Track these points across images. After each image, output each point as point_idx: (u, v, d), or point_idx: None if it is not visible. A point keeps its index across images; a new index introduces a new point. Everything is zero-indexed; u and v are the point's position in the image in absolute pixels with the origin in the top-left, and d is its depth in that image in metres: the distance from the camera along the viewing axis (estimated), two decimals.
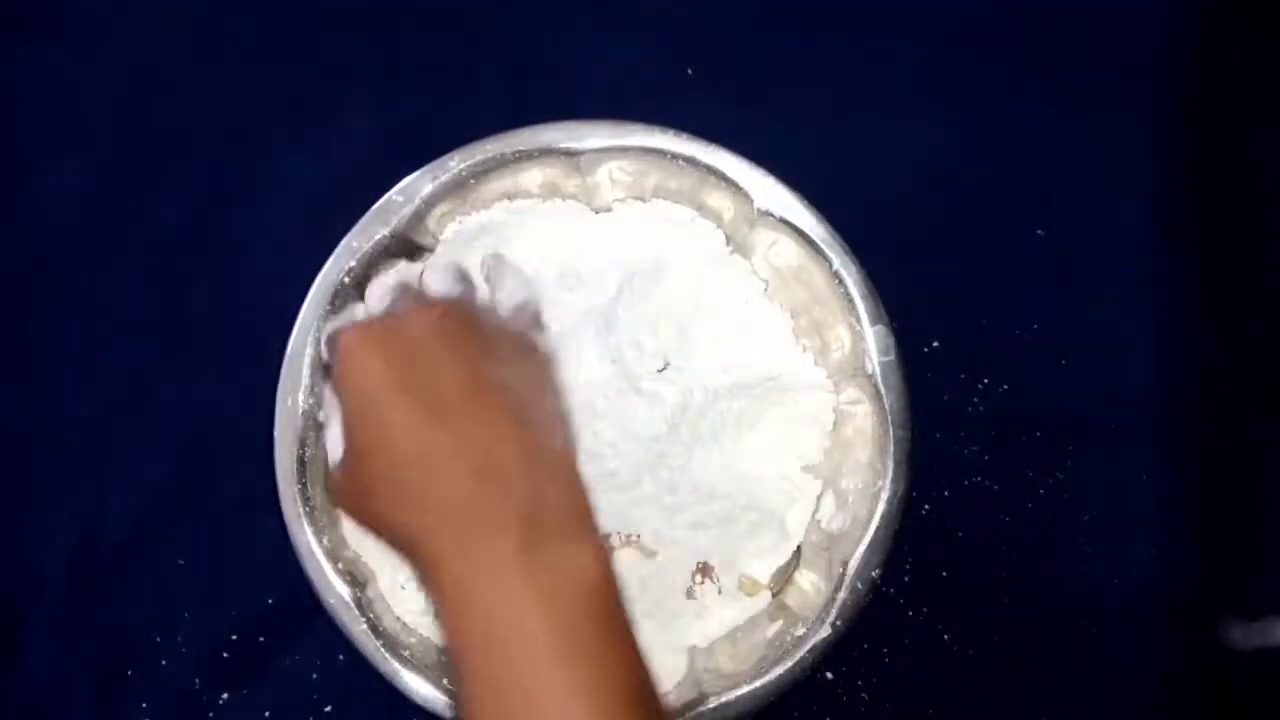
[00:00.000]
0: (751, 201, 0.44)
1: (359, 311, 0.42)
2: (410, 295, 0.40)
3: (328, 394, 0.39)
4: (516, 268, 0.42)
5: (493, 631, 0.32)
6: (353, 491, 0.37)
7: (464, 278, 0.40)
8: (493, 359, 0.37)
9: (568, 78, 0.50)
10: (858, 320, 0.44)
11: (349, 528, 0.44)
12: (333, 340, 0.37)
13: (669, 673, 0.42)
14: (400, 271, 0.45)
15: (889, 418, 0.43)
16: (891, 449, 0.43)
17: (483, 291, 0.41)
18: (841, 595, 0.43)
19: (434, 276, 0.39)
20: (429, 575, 0.34)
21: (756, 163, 0.45)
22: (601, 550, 0.34)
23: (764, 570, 0.45)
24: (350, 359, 0.36)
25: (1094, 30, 0.51)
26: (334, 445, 0.38)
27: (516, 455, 0.34)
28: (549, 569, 0.33)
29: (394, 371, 0.35)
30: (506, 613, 0.32)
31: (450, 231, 0.46)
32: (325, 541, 0.43)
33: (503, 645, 0.32)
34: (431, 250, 0.46)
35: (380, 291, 0.40)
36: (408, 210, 0.44)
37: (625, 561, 0.44)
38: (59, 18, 0.51)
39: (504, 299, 0.40)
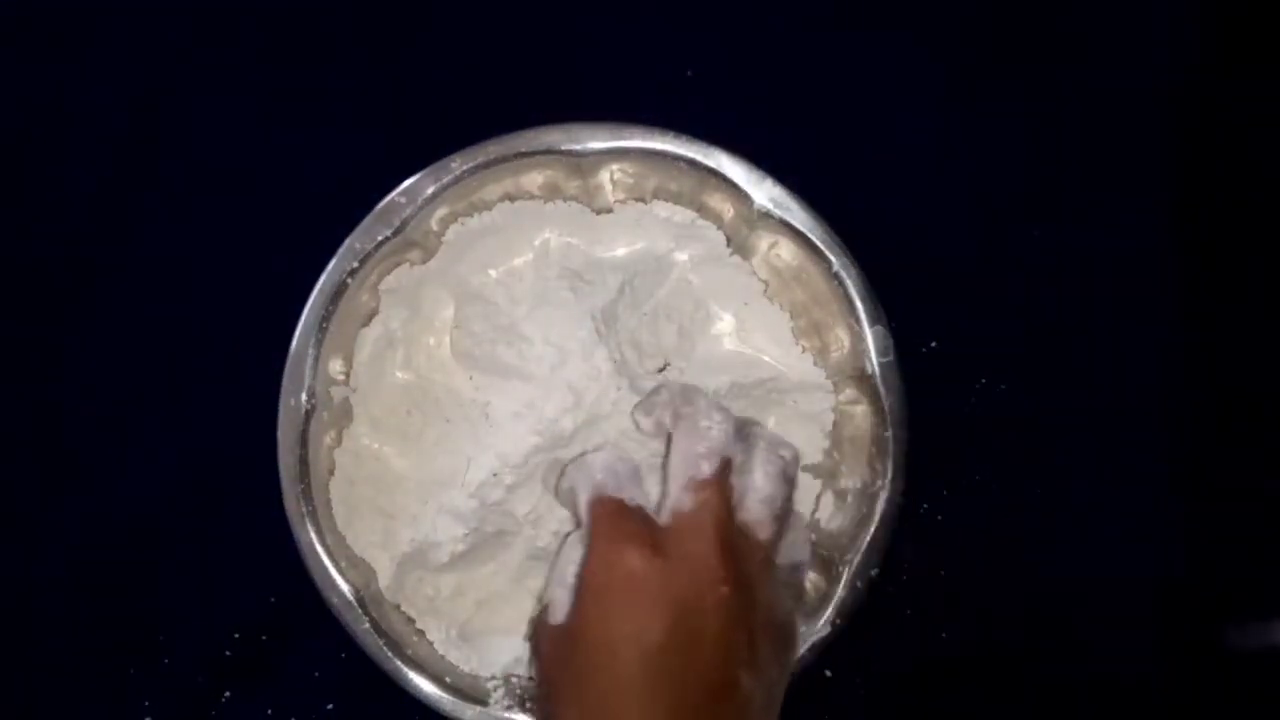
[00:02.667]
0: (751, 203, 0.44)
1: (621, 473, 0.38)
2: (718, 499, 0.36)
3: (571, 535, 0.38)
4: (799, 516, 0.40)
5: None
6: (554, 658, 0.36)
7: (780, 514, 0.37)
8: (759, 668, 0.34)
9: (569, 79, 0.50)
10: (857, 321, 0.44)
11: (350, 527, 0.44)
12: (588, 487, 0.37)
13: None
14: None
15: (888, 417, 0.43)
16: (890, 449, 0.43)
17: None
18: (840, 594, 0.43)
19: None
20: None
21: (756, 164, 0.45)
22: None
23: None
24: (616, 557, 0.34)
25: (1094, 30, 0.51)
26: (560, 598, 0.36)
27: None
28: None
29: (659, 615, 0.33)
30: None
31: (452, 233, 0.46)
32: (328, 541, 0.43)
33: None
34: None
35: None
36: (410, 211, 0.44)
37: None
38: (62, 20, 0.51)
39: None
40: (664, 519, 0.37)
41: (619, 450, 0.40)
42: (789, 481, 0.39)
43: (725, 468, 0.37)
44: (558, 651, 0.36)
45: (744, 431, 0.39)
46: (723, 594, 0.34)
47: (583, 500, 0.38)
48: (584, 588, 0.35)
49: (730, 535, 0.36)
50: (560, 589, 0.37)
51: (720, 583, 0.34)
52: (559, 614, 0.36)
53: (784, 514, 0.38)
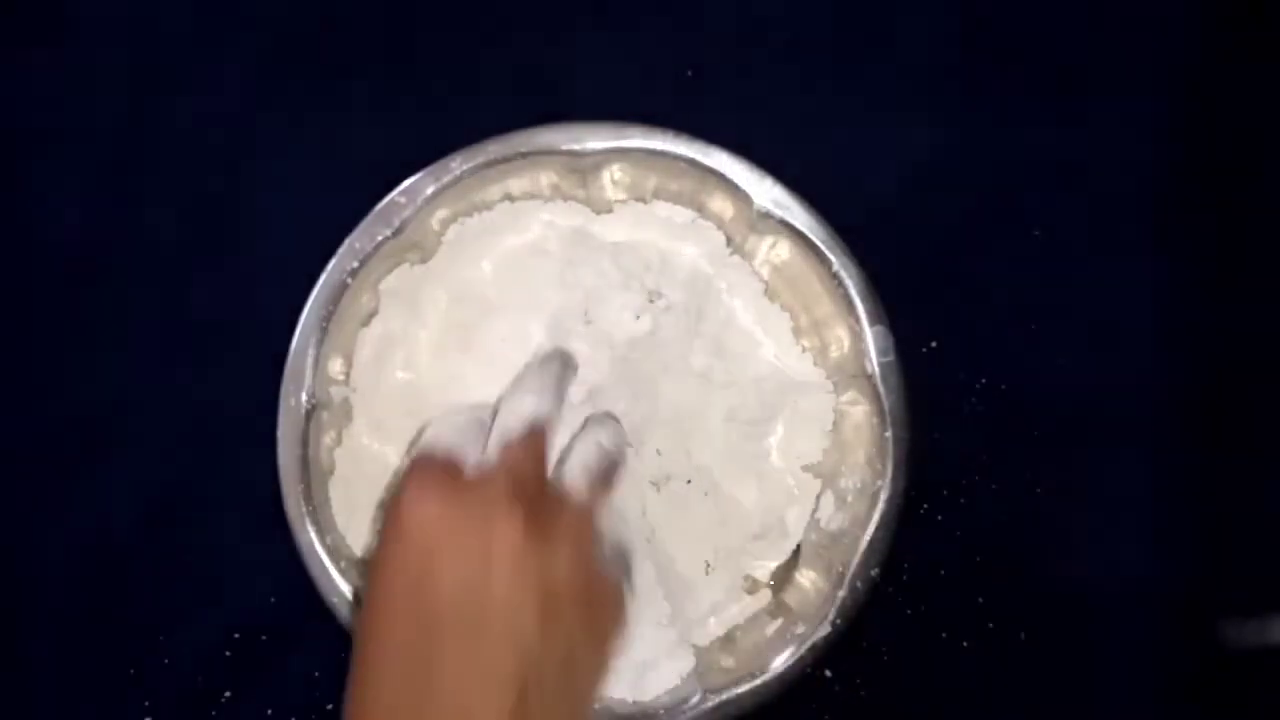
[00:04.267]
0: (751, 203, 0.44)
1: (452, 424, 0.39)
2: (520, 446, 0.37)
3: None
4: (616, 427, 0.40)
5: None
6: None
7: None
8: (554, 637, 0.34)
9: (569, 79, 0.50)
10: (857, 321, 0.44)
11: (350, 527, 0.44)
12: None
13: (670, 671, 0.43)
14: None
15: (888, 417, 0.44)
16: (891, 449, 0.43)
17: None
18: (841, 594, 0.43)
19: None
20: None
21: (756, 164, 0.45)
22: None
23: (764, 569, 0.45)
24: (411, 504, 0.35)
25: (1094, 30, 0.51)
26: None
27: None
28: None
29: (447, 561, 0.34)
30: None
31: (453, 233, 0.46)
32: (327, 540, 0.43)
33: None
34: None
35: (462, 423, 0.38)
36: (410, 211, 0.44)
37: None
38: (59, 18, 0.51)
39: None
40: (469, 475, 0.37)
41: (478, 412, 0.40)
42: (608, 454, 0.39)
43: (538, 432, 0.38)
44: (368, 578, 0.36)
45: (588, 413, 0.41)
46: (510, 538, 0.34)
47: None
48: (384, 531, 0.36)
49: (528, 489, 0.36)
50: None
51: (508, 527, 0.34)
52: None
53: (600, 483, 0.38)
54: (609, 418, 0.41)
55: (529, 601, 0.34)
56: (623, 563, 0.38)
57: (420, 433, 0.41)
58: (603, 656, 0.36)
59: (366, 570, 0.36)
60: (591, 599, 0.36)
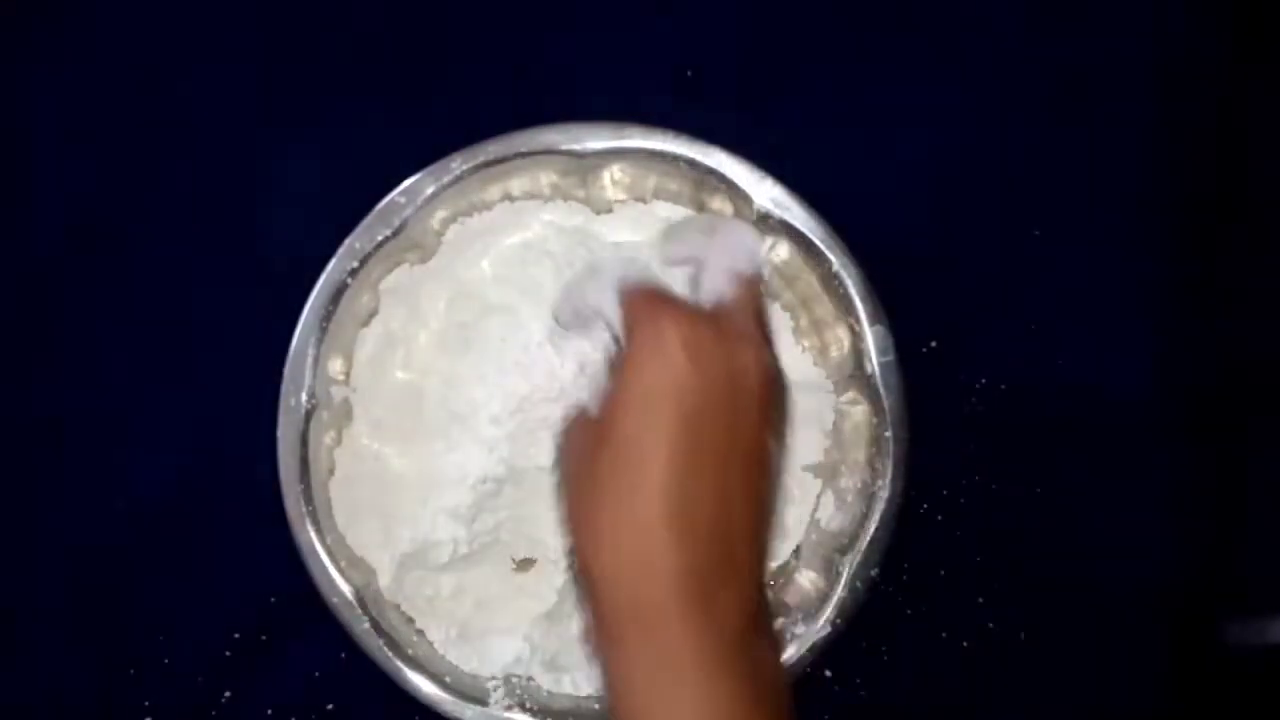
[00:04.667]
0: (751, 202, 0.44)
1: (639, 265, 0.40)
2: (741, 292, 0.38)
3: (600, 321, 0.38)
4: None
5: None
6: (591, 441, 0.35)
7: None
8: (781, 439, 0.37)
9: (568, 79, 0.50)
10: (857, 320, 0.44)
11: (350, 527, 0.44)
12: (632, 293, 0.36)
13: None
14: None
15: (888, 417, 0.43)
16: (890, 448, 0.43)
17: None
18: (840, 594, 0.43)
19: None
20: (622, 610, 0.33)
21: (756, 164, 0.45)
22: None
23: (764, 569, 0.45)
24: (666, 350, 0.34)
25: (1094, 30, 0.51)
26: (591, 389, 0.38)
27: (754, 549, 0.34)
28: (757, 668, 0.33)
29: (707, 373, 0.33)
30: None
31: (453, 233, 0.46)
32: (328, 541, 0.43)
33: None
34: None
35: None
36: (410, 211, 0.44)
37: None
38: (59, 18, 0.51)
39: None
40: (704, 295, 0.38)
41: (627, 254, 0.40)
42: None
43: (758, 276, 0.39)
44: (596, 433, 0.35)
45: None
46: (769, 367, 0.35)
47: (608, 297, 0.37)
48: (628, 361, 0.35)
49: (767, 322, 0.38)
50: (585, 391, 0.39)
51: (766, 359, 0.35)
52: (592, 409, 0.37)
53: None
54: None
55: (775, 414, 0.36)
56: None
57: (569, 299, 0.41)
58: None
59: (627, 368, 0.35)
60: (788, 419, 0.40)
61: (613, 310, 0.37)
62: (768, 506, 0.36)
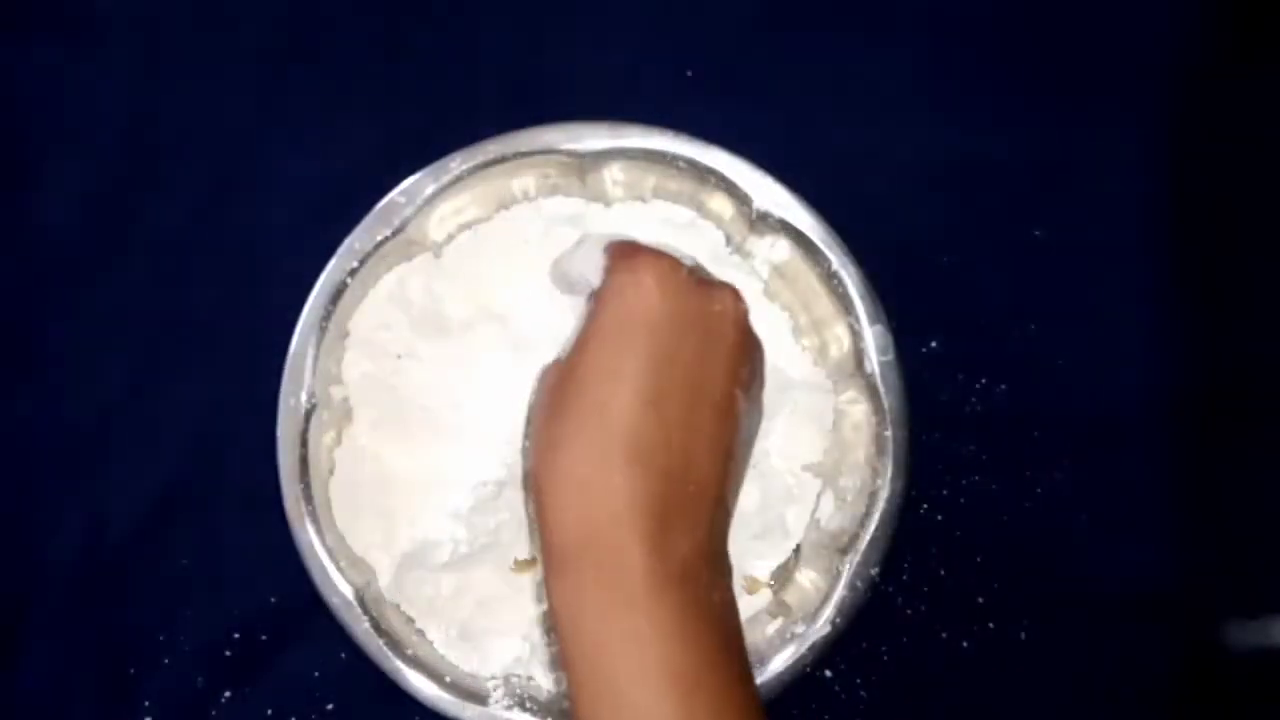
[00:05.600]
0: (751, 202, 0.44)
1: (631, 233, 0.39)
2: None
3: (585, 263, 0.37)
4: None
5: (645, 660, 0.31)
6: (564, 373, 0.35)
7: None
8: (752, 397, 0.36)
9: (568, 79, 0.50)
10: (857, 320, 0.44)
11: (350, 527, 0.44)
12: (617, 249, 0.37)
13: None
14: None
15: (888, 417, 0.43)
16: (890, 448, 0.43)
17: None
18: (840, 593, 0.43)
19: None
20: (575, 541, 0.32)
21: (756, 163, 0.45)
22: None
23: (764, 569, 0.45)
24: (640, 283, 0.34)
25: (1095, 29, 0.51)
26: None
27: (713, 496, 0.34)
28: (710, 596, 0.33)
29: (680, 320, 0.34)
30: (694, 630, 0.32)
31: (452, 232, 0.46)
32: (327, 541, 0.43)
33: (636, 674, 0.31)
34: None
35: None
36: (409, 211, 0.44)
37: None
38: (59, 18, 0.51)
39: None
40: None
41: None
42: None
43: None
44: (566, 366, 0.35)
45: None
46: (744, 316, 0.36)
47: (594, 260, 0.37)
48: (603, 291, 0.35)
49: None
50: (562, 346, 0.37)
51: (742, 309, 0.36)
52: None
53: None
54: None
55: (745, 366, 0.36)
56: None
57: (562, 265, 0.41)
58: (754, 439, 0.39)
59: (602, 297, 0.35)
60: (763, 381, 0.38)
61: (596, 272, 0.37)
62: (734, 460, 0.35)
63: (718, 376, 0.34)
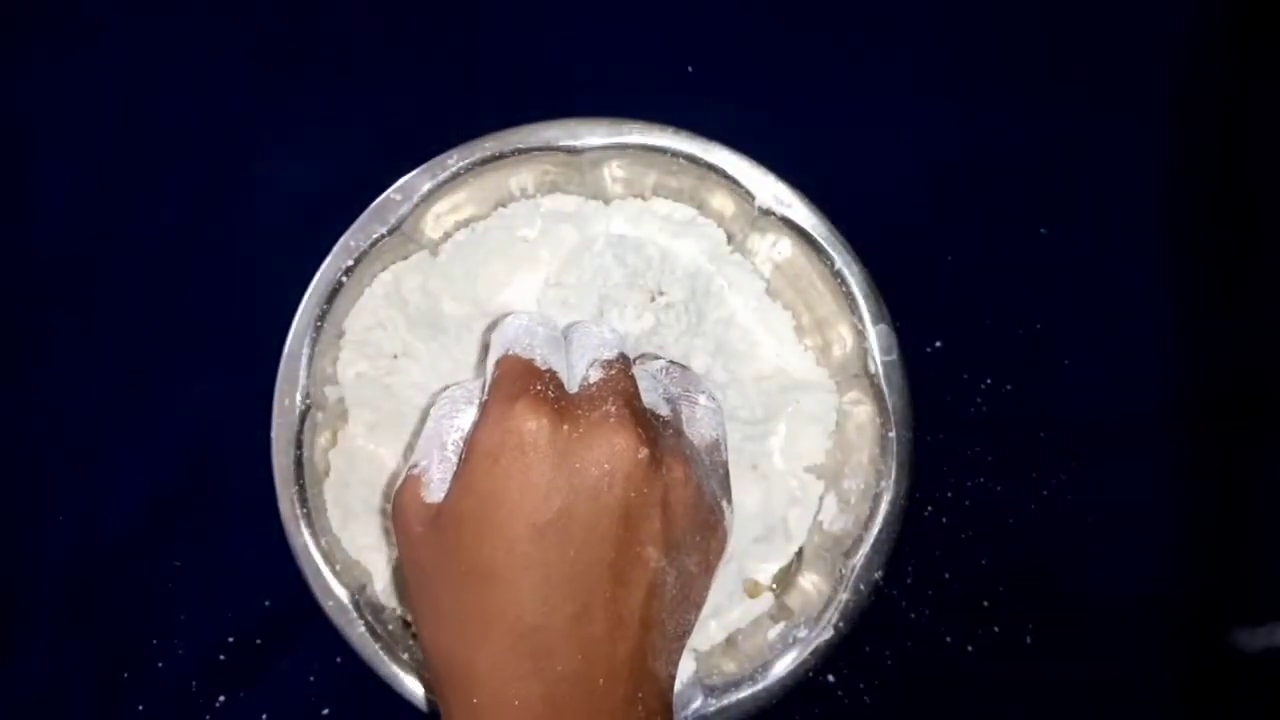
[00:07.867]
0: (753, 200, 0.44)
1: (538, 336, 0.36)
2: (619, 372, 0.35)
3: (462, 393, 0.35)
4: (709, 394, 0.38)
5: None
6: (426, 538, 0.33)
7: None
8: (674, 548, 0.33)
9: (567, 76, 0.50)
10: (860, 320, 0.44)
11: (346, 529, 0.44)
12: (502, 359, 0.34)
13: None
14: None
15: (891, 418, 0.43)
16: (894, 449, 0.43)
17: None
18: (843, 597, 0.42)
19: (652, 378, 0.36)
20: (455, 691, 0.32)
21: (757, 161, 0.44)
22: None
23: (766, 572, 0.45)
24: (527, 412, 0.32)
25: (1098, 29, 0.51)
26: (434, 466, 0.34)
27: (638, 663, 0.32)
28: None
29: (560, 484, 0.31)
30: None
31: (449, 230, 0.45)
32: (323, 543, 0.43)
33: None
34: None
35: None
36: (406, 208, 0.44)
37: None
38: (58, 18, 0.51)
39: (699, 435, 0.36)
40: (571, 389, 0.35)
41: (543, 317, 0.38)
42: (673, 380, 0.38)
43: (627, 359, 0.36)
44: (433, 530, 0.33)
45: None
46: (639, 459, 0.32)
47: (491, 358, 0.35)
48: (471, 451, 0.33)
49: (639, 410, 0.34)
50: (435, 454, 0.34)
51: (634, 449, 0.32)
52: (433, 486, 0.33)
53: (676, 399, 0.37)
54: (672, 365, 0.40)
55: (654, 516, 0.33)
56: (719, 469, 0.37)
57: (492, 329, 0.38)
58: (709, 574, 0.36)
59: (470, 461, 0.32)
60: (701, 517, 0.35)
61: (490, 371, 0.35)
62: (657, 627, 0.33)
63: (611, 545, 0.32)
